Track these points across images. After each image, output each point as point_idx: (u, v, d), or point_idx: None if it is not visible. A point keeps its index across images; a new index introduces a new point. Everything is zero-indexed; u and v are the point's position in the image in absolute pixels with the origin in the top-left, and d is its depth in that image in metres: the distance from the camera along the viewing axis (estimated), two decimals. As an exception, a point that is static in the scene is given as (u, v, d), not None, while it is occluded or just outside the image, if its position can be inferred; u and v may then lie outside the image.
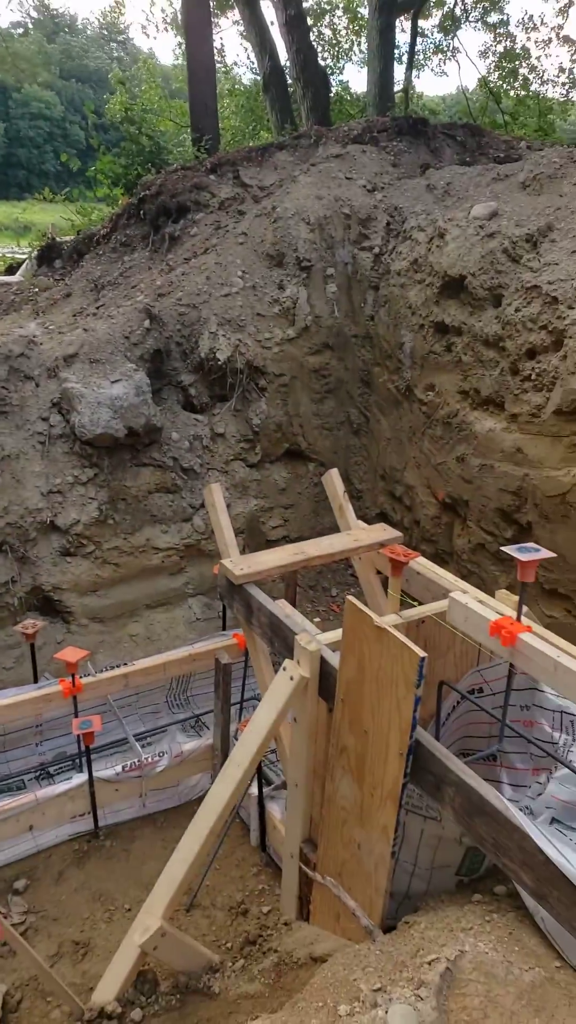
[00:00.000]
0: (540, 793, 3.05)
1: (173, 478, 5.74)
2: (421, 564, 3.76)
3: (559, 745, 3.15)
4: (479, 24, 18.67)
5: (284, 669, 3.10)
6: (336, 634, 3.23)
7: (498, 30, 18.55)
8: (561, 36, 18.81)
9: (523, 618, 2.92)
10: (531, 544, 2.83)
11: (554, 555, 2.80)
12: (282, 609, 3.38)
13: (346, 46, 19.20)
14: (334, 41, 18.82)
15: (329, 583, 6.30)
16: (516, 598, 3.51)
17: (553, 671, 2.61)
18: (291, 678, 3.06)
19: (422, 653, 2.53)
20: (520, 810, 2.47)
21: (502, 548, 2.93)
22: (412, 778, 2.70)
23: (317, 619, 5.82)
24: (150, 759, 4.09)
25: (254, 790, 3.90)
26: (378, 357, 6.20)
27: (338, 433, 6.41)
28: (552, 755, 3.02)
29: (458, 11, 18.00)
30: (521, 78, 18.80)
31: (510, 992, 2.17)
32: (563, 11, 17.93)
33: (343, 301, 6.23)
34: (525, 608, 3.13)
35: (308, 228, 6.08)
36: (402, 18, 16.43)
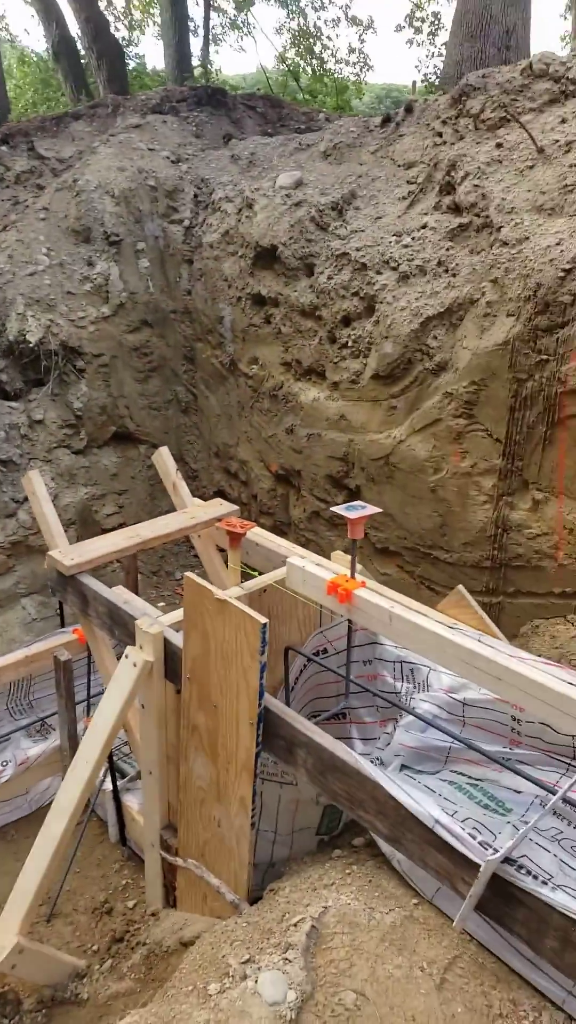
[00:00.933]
0: (388, 743, 3.16)
1: (-9, 472, 5.37)
2: (259, 535, 3.76)
3: (402, 694, 3.28)
4: (272, 0, 18.78)
5: (127, 656, 2.99)
6: (178, 614, 3.15)
7: (290, 6, 18.75)
8: (349, 16, 19.28)
9: (357, 575, 2.98)
10: (358, 503, 2.89)
11: (379, 510, 2.88)
12: (120, 595, 3.25)
13: (139, 17, 18.65)
14: (126, 12, 18.21)
15: (172, 567, 6.19)
16: (346, 557, 3.61)
17: (389, 622, 2.69)
18: (134, 664, 2.95)
19: (263, 619, 2.52)
20: (372, 762, 2.54)
21: (331, 509, 2.97)
22: (264, 746, 2.69)
23: (162, 604, 5.71)
24: (-6, 770, 3.83)
25: (108, 785, 3.76)
26: (199, 332, 6.12)
27: (167, 412, 6.28)
28: (396, 704, 3.14)
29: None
30: (316, 58, 19.17)
31: (373, 936, 2.23)
32: (347, -11, 18.38)
33: (157, 276, 6.07)
34: (361, 567, 3.22)
35: (113, 201, 5.84)
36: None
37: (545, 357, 3.94)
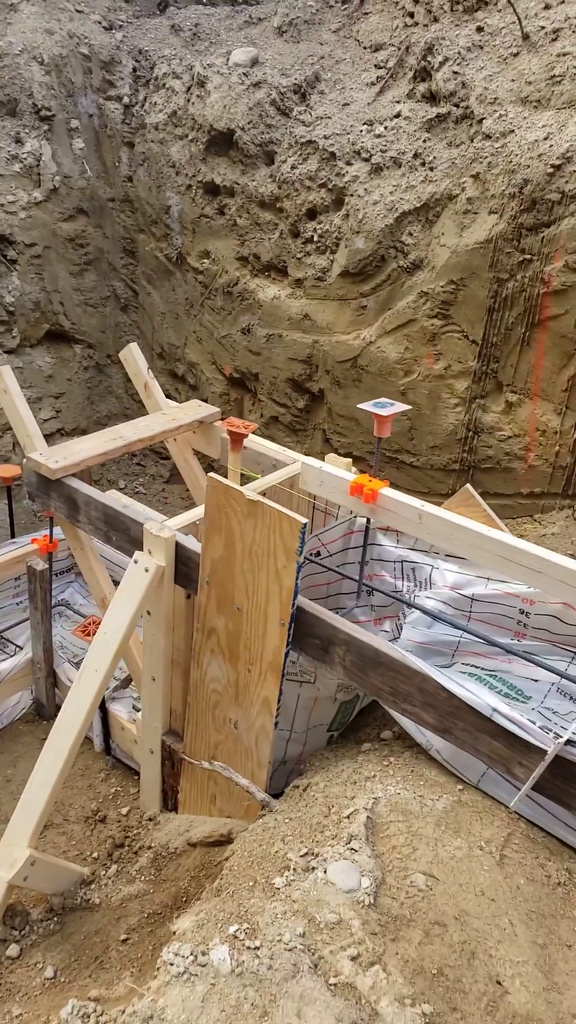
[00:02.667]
0: (395, 639, 3.20)
1: None
2: (249, 438, 3.61)
3: (403, 593, 3.30)
4: None
5: (135, 562, 2.83)
6: (185, 517, 3.02)
7: None
8: None
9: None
10: (384, 399, 2.80)
11: (408, 407, 2.81)
12: (117, 500, 3.05)
13: None
14: None
15: (115, 475, 5.92)
16: (346, 460, 3.54)
17: (419, 520, 2.66)
18: (145, 569, 2.81)
19: (303, 519, 2.43)
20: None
21: (359, 406, 2.87)
22: (294, 645, 2.65)
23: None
24: (-37, 688, 3.61)
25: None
26: (142, 223, 5.67)
27: (104, 310, 5.86)
28: (403, 600, 3.16)
29: None
30: None
31: (428, 822, 2.29)
32: None
33: (93, 159, 5.54)
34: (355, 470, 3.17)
35: (43, 70, 5.21)
36: None
37: (528, 256, 3.91)
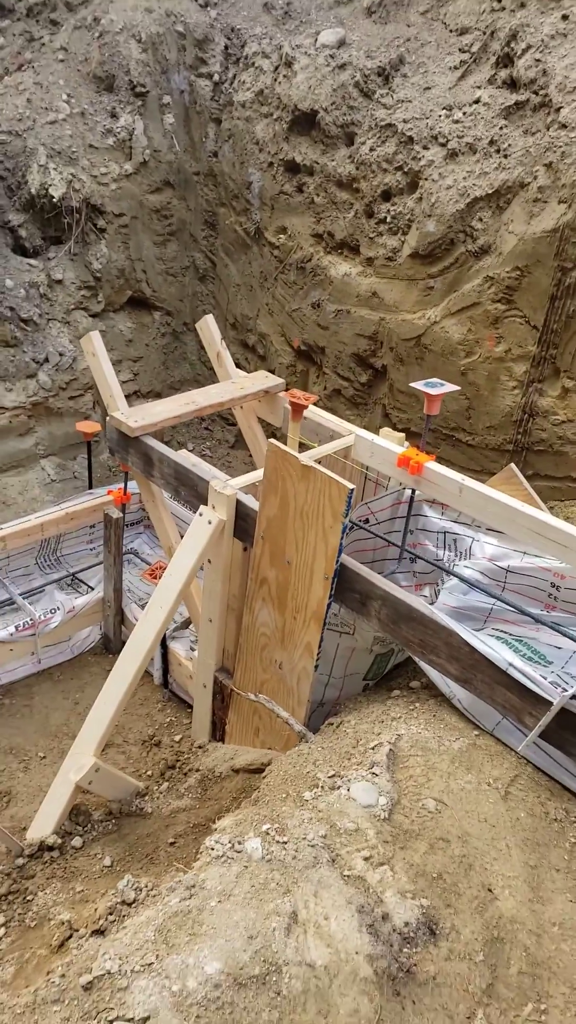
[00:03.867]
0: (432, 603, 3.46)
1: (12, 330, 5.28)
2: (309, 409, 3.88)
3: (444, 561, 3.56)
4: None
5: (200, 515, 3.17)
6: (247, 478, 3.33)
7: None
8: None
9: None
10: (435, 379, 3.04)
11: (458, 388, 3.04)
12: (187, 458, 3.39)
13: None
14: None
15: (184, 438, 6.29)
16: (399, 435, 3.79)
17: (459, 493, 2.91)
18: (209, 522, 3.14)
19: (351, 485, 2.71)
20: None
21: (412, 385, 3.11)
22: (336, 598, 2.95)
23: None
24: (43, 617, 4.04)
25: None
26: (224, 197, 5.94)
27: (183, 279, 6.18)
28: (441, 567, 3.42)
29: None
30: None
31: (444, 758, 2.58)
32: None
33: (182, 134, 5.81)
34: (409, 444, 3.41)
35: (140, 47, 5.49)
36: None
37: (593, 248, 4.02)
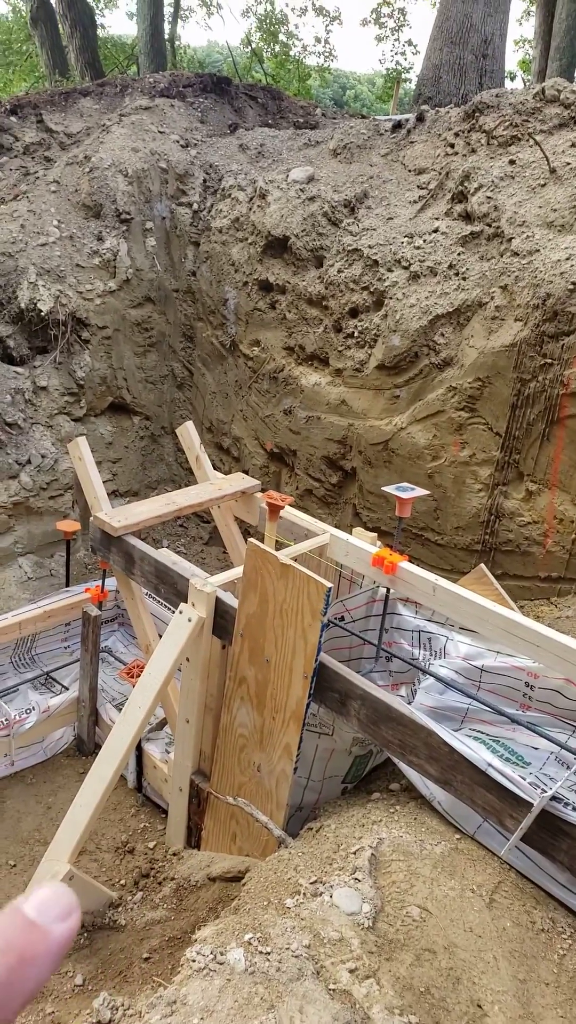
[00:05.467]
0: (409, 703, 3.49)
1: (-6, 434, 5.42)
2: (285, 509, 4.01)
3: (419, 660, 3.61)
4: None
5: (180, 612, 3.21)
6: (226, 576, 3.40)
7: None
8: (316, 6, 19.55)
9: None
10: (406, 484, 3.19)
11: (428, 492, 3.19)
12: (168, 557, 3.46)
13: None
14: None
15: (159, 535, 6.37)
16: (371, 534, 3.92)
17: (432, 592, 3.01)
18: (188, 619, 3.19)
19: (329, 584, 2.80)
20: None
21: (384, 489, 3.27)
22: (315, 697, 2.98)
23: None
24: (17, 717, 3.98)
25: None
26: (201, 312, 6.28)
27: (162, 387, 6.42)
28: (417, 667, 3.47)
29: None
30: (281, 44, 19.46)
31: (426, 863, 2.56)
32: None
33: (162, 255, 6.20)
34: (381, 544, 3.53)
35: (126, 180, 5.93)
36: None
37: (549, 361, 4.33)
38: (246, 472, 6.24)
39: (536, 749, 3.13)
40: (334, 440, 5.46)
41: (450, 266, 4.85)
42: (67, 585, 4.96)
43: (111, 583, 4.48)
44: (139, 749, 3.98)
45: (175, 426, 6.65)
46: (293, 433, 5.73)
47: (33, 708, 4.06)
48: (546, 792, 2.42)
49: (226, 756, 3.35)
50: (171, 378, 6.49)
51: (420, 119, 5.75)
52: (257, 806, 3.23)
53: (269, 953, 2.17)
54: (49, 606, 4.39)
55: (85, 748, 4.34)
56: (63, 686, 4.53)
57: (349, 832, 2.81)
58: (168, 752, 3.95)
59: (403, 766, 2.93)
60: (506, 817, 2.49)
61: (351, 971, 2.16)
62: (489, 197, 4.79)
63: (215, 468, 6.46)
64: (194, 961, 2.15)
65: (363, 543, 3.28)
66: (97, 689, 4.19)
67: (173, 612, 3.29)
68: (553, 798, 2.41)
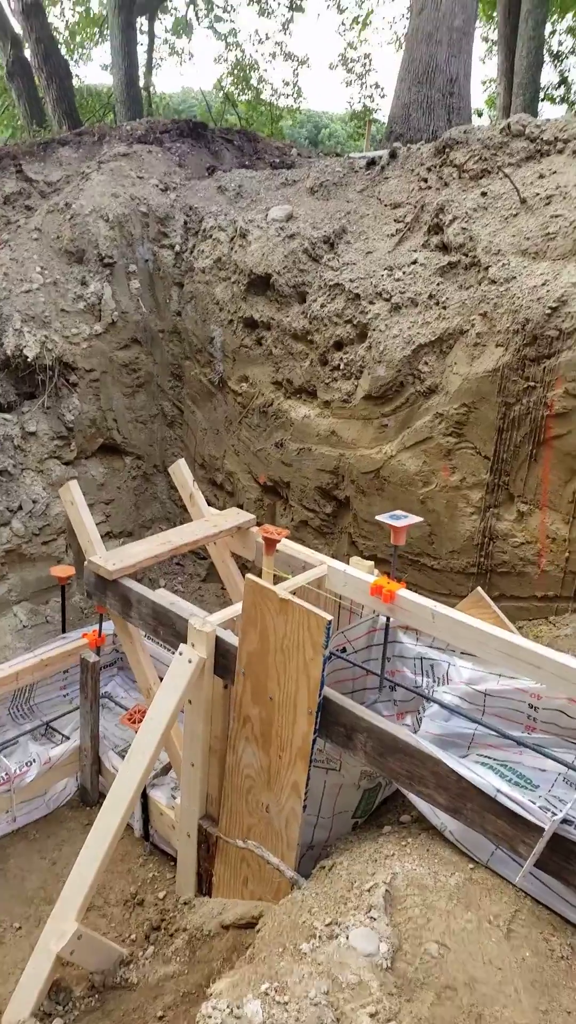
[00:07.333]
0: (415, 731, 3.46)
1: (-15, 482, 5.42)
2: (281, 542, 4.01)
3: (423, 688, 3.59)
4: (210, 32, 19.50)
5: (180, 653, 3.19)
6: (225, 614, 3.38)
7: (227, 40, 19.47)
8: (285, 52, 20.20)
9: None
10: (399, 512, 3.20)
11: (421, 519, 3.20)
12: (165, 597, 3.45)
13: (79, 40, 18.91)
14: (72, 31, 18.38)
15: (156, 574, 6.34)
16: (368, 563, 3.92)
17: (432, 619, 3.01)
18: (189, 661, 3.16)
19: (328, 617, 2.79)
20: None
21: (377, 518, 3.27)
22: (320, 732, 2.95)
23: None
24: (18, 770, 3.92)
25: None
26: (188, 351, 6.34)
27: (152, 426, 6.45)
28: (421, 695, 3.45)
29: (190, 16, 18.70)
30: (252, 88, 20.04)
31: (441, 896, 2.52)
32: (284, 28, 19.33)
33: (147, 297, 6.27)
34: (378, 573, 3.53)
35: (108, 226, 6.02)
36: (141, 18, 16.57)
37: (532, 384, 4.37)
38: (241, 506, 6.25)
39: (544, 771, 3.11)
40: (326, 471, 5.48)
41: (430, 296, 4.92)
42: (63, 631, 4.92)
43: (108, 627, 4.45)
44: (144, 795, 3.92)
45: (167, 464, 6.66)
46: (285, 465, 5.75)
47: (34, 760, 4.00)
48: (556, 815, 2.39)
49: (233, 798, 3.30)
50: (161, 417, 6.52)
51: (393, 156, 5.88)
52: (268, 848, 3.19)
53: (287, 1003, 2.12)
54: (46, 654, 4.35)
55: (89, 798, 4.27)
56: (64, 735, 4.46)
57: (362, 868, 2.76)
58: (174, 797, 3.89)
59: (413, 797, 2.89)
60: (518, 843, 2.46)
61: (371, 1015, 2.11)
62: (464, 228, 4.88)
63: (209, 503, 6.45)
64: (210, 1017, 2.10)
65: (361, 572, 3.28)
66: (99, 737, 4.13)
67: (172, 652, 3.27)
68: (564, 820, 2.39)
